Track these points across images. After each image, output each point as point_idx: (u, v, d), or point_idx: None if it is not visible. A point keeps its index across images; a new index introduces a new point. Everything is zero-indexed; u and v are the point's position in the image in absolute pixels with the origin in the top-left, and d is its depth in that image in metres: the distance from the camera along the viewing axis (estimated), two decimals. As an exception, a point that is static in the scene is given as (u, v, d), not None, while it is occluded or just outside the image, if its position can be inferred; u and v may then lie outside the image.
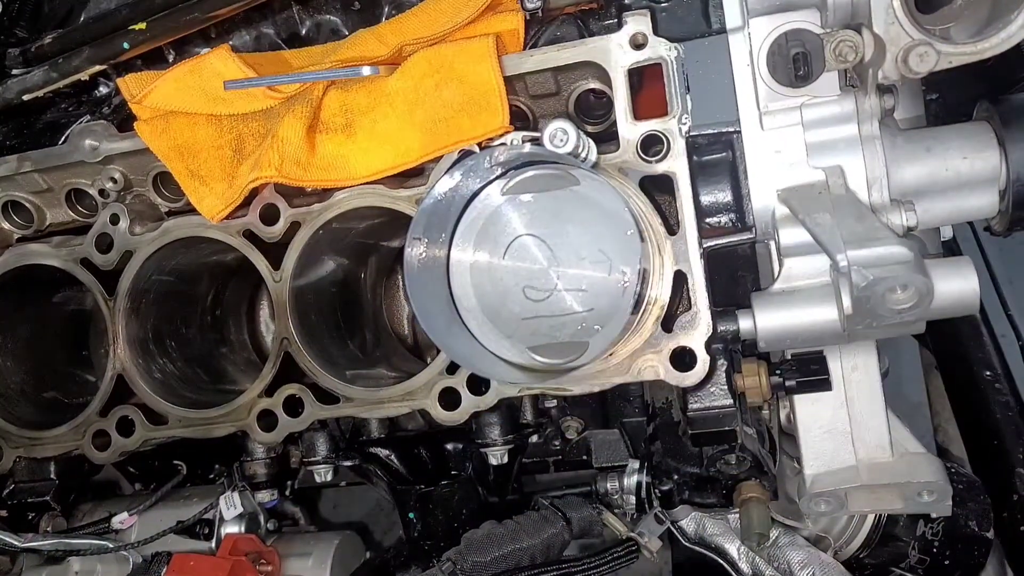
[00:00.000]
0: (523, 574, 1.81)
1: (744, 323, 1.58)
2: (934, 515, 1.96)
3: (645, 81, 1.64)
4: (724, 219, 1.70)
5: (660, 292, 1.57)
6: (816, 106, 1.57)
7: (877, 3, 1.37)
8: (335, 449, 1.98)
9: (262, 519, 2.03)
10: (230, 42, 1.93)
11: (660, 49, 1.57)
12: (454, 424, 1.70)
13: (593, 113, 1.79)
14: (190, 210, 1.82)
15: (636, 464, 1.98)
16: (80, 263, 1.87)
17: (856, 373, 1.70)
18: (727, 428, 1.68)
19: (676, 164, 1.57)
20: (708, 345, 1.56)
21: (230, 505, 1.96)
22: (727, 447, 1.76)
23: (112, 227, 1.85)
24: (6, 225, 1.99)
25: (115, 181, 1.86)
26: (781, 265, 1.60)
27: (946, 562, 1.99)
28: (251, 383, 1.80)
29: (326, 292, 1.92)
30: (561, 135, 1.50)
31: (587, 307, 1.48)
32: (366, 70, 1.61)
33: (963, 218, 1.67)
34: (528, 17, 1.71)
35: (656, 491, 1.92)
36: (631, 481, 1.97)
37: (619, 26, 1.60)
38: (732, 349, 1.70)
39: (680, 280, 1.58)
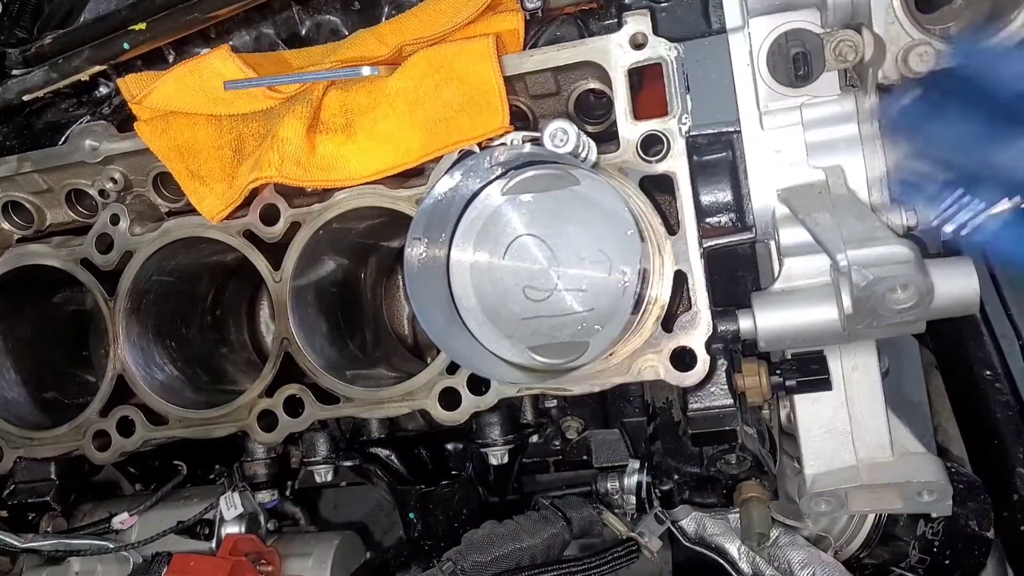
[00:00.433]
0: (523, 574, 1.81)
1: (744, 323, 1.58)
2: (934, 515, 1.96)
3: (645, 81, 1.64)
4: (724, 219, 1.70)
5: (660, 292, 1.57)
6: (816, 106, 1.57)
7: (877, 3, 1.37)
8: (335, 449, 1.97)
9: (262, 519, 2.03)
10: (230, 42, 1.93)
11: (660, 49, 1.57)
12: (454, 424, 1.70)
13: (593, 113, 1.79)
14: (190, 210, 1.82)
15: (636, 464, 1.98)
16: (80, 263, 1.87)
17: (856, 373, 1.70)
18: (727, 428, 1.68)
19: (676, 164, 1.57)
20: (708, 345, 1.56)
21: (230, 505, 1.96)
22: (727, 447, 1.77)
23: (112, 227, 1.85)
24: (6, 225, 1.99)
25: (115, 181, 1.87)
26: (781, 265, 1.60)
27: (946, 562, 1.99)
28: (251, 383, 1.80)
29: (326, 292, 1.92)
30: (561, 135, 1.49)
31: (587, 307, 1.48)
32: (366, 70, 1.61)
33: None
34: (528, 17, 1.71)
35: (656, 491, 1.92)
36: (631, 481, 1.97)
37: (619, 26, 1.60)
38: (732, 349, 1.70)
39: (680, 280, 1.58)
